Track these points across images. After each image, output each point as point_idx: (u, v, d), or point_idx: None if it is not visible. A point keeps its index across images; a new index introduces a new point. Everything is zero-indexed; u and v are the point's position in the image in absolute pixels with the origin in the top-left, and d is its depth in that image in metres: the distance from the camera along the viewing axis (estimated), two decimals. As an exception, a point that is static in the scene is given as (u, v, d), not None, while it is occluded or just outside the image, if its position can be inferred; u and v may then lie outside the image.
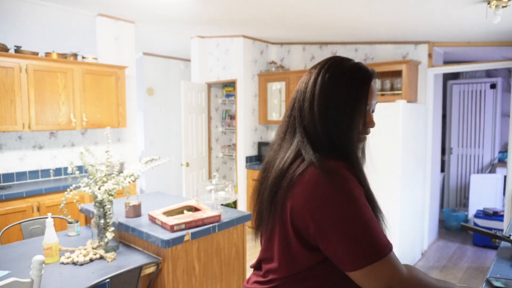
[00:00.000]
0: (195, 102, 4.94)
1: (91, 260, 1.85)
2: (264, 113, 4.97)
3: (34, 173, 3.66)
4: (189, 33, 4.89)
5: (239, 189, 4.94)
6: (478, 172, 5.30)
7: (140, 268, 1.80)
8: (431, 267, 3.80)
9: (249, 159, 4.97)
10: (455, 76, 5.62)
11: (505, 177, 4.16)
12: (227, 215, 2.27)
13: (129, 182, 1.98)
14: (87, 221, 2.59)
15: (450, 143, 5.54)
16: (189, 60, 6.37)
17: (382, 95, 3.98)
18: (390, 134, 3.41)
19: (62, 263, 1.82)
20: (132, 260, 1.88)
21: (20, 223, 2.47)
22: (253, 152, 5.04)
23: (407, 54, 4.13)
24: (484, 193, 4.86)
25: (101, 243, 1.94)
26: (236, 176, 5.04)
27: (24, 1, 3.37)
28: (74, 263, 1.81)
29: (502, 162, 5.09)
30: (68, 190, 1.91)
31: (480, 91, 5.26)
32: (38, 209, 3.19)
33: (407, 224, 3.64)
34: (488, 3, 2.46)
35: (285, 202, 0.90)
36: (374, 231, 0.83)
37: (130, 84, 4.26)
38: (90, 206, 2.50)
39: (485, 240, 4.32)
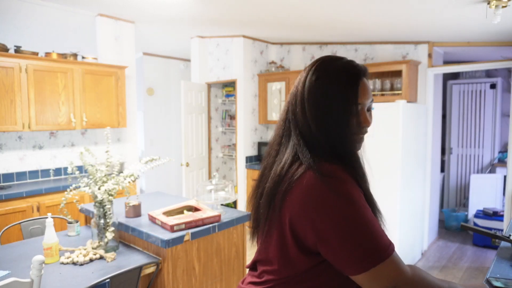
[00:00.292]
0: (195, 102, 4.94)
1: (91, 260, 1.85)
2: (264, 113, 4.97)
3: (34, 173, 3.66)
4: (189, 33, 4.89)
5: (239, 189, 4.94)
6: (478, 172, 5.30)
7: (140, 268, 1.80)
8: (431, 267, 3.80)
9: (249, 159, 4.97)
10: (455, 76, 5.62)
11: (505, 177, 4.16)
12: (227, 215, 2.27)
13: (129, 182, 1.98)
14: (87, 221, 2.59)
15: (450, 143, 5.55)
16: (189, 60, 6.37)
17: (382, 95, 3.98)
18: (390, 134, 3.41)
19: (62, 263, 1.82)
20: (132, 260, 1.88)
21: (20, 223, 2.47)
22: (253, 152, 5.04)
23: (407, 54, 4.13)
24: (484, 193, 4.86)
25: (101, 243, 1.94)
26: (236, 176, 5.04)
27: (24, 1, 3.37)
28: (74, 263, 1.82)
29: (502, 162, 5.10)
30: (68, 190, 1.91)
31: (480, 91, 5.26)
32: (38, 209, 3.19)
33: (407, 224, 3.64)
34: (488, 3, 2.46)
35: (283, 207, 0.90)
36: (375, 233, 0.82)
37: (130, 84, 4.26)
38: (90, 206, 2.50)
39: (485, 240, 4.32)
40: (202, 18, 3.88)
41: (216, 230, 2.11)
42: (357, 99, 0.91)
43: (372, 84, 4.02)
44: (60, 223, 3.04)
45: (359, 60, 4.46)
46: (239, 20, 3.89)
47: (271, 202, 0.93)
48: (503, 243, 1.84)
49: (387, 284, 0.81)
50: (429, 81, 4.04)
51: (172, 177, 6.30)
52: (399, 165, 3.39)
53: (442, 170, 5.46)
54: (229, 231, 2.22)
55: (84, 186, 1.93)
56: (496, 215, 4.34)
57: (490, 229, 4.15)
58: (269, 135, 5.31)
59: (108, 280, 1.63)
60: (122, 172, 2.03)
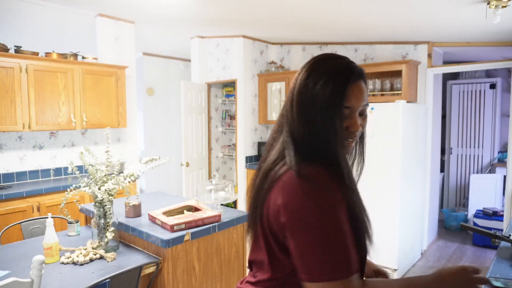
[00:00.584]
0: (195, 102, 4.95)
1: (91, 260, 1.85)
2: (264, 113, 4.97)
3: (34, 173, 3.66)
4: (189, 33, 4.89)
5: (239, 189, 4.94)
6: (477, 172, 5.31)
7: (140, 268, 1.80)
8: (430, 267, 3.80)
9: (249, 159, 4.97)
10: (455, 76, 5.62)
11: (504, 177, 4.16)
12: (227, 215, 2.27)
13: (129, 182, 1.98)
14: (87, 221, 2.59)
15: (450, 143, 5.55)
16: (189, 60, 6.37)
17: (382, 95, 3.98)
18: (390, 134, 3.42)
19: (62, 263, 1.82)
20: (132, 260, 1.88)
21: (20, 223, 2.47)
22: (253, 152, 5.04)
23: (407, 54, 4.13)
24: (483, 193, 4.87)
25: (101, 243, 1.94)
26: (236, 176, 5.04)
27: (24, 1, 3.37)
28: (74, 263, 1.82)
29: (502, 162, 5.10)
30: (68, 190, 1.92)
31: (480, 91, 5.26)
32: (38, 209, 3.19)
33: (407, 224, 3.64)
34: (488, 3, 2.46)
35: (263, 205, 0.90)
36: (340, 248, 0.78)
37: (130, 84, 4.26)
38: (90, 206, 2.51)
39: (485, 240, 4.32)
40: (202, 18, 3.88)
41: (216, 230, 2.11)
42: (345, 102, 0.86)
43: (372, 84, 4.02)
44: (60, 223, 3.04)
45: (359, 60, 4.46)
46: (239, 20, 3.90)
47: (255, 199, 0.93)
48: (503, 243, 1.84)
49: None
50: (429, 81, 4.04)
51: (172, 177, 6.29)
52: (399, 165, 3.39)
53: (442, 170, 5.47)
54: (229, 231, 2.22)
55: (84, 186, 1.93)
56: (495, 215, 4.35)
57: (490, 229, 4.15)
58: (269, 135, 5.30)
59: (108, 280, 1.63)
60: (122, 172, 2.03)
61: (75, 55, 3.70)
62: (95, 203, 1.93)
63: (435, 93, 4.23)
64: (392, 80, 3.99)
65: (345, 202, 0.83)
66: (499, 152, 5.27)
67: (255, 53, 4.95)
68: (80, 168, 3.52)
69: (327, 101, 0.84)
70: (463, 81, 5.41)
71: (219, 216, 2.15)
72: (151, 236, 1.95)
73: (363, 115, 0.91)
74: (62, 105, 3.50)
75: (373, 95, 4.01)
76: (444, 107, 5.38)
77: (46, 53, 3.56)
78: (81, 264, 1.81)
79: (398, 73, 3.91)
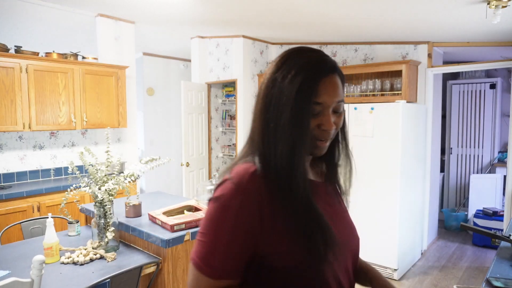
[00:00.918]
0: (195, 102, 4.95)
1: (91, 260, 1.85)
2: (264, 113, 4.97)
3: (34, 173, 3.66)
4: (189, 33, 4.89)
5: (239, 189, 4.93)
6: (477, 172, 5.31)
7: (140, 268, 1.80)
8: (430, 267, 3.81)
9: (249, 159, 4.96)
10: (455, 76, 5.62)
11: (504, 177, 4.17)
12: (227, 215, 2.27)
13: (129, 182, 1.98)
14: (87, 221, 2.59)
15: (450, 143, 5.55)
16: (189, 60, 6.37)
17: (382, 95, 3.98)
18: (390, 134, 3.42)
19: (62, 263, 1.82)
20: (132, 260, 1.88)
21: (20, 223, 2.47)
22: (253, 152, 5.04)
23: (407, 54, 4.13)
24: (483, 193, 4.87)
25: (101, 243, 1.94)
26: (236, 176, 5.03)
27: (24, 1, 3.37)
28: (74, 263, 1.82)
29: (502, 162, 5.10)
30: (69, 190, 1.92)
31: (480, 91, 5.26)
32: (39, 209, 3.19)
33: (407, 223, 3.64)
34: (488, 3, 2.46)
35: None
36: (218, 248, 0.76)
37: (130, 84, 4.26)
38: (90, 206, 2.51)
39: (485, 240, 4.32)
40: (202, 18, 3.89)
41: (216, 230, 2.11)
42: (316, 97, 0.78)
43: (372, 84, 4.02)
44: (61, 223, 3.05)
45: (359, 60, 4.47)
46: (239, 20, 3.90)
47: None
48: (503, 243, 1.85)
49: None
50: (429, 81, 4.04)
51: (172, 177, 6.30)
52: (398, 165, 3.39)
53: (442, 170, 5.47)
54: (229, 231, 2.22)
55: (84, 186, 1.93)
56: (496, 215, 4.35)
57: (490, 229, 4.15)
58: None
59: (109, 280, 1.63)
60: (122, 172, 2.03)
61: (75, 55, 3.70)
62: (95, 203, 1.93)
63: (435, 93, 4.23)
64: (392, 80, 4.00)
65: (270, 207, 0.76)
66: (499, 152, 5.27)
67: (255, 53, 4.95)
68: (80, 168, 3.52)
69: (295, 97, 0.76)
70: (463, 81, 5.41)
71: (219, 216, 2.14)
72: (151, 236, 1.95)
73: (337, 112, 0.83)
74: (62, 105, 3.50)
75: (373, 95, 4.01)
76: (444, 107, 5.38)
77: (46, 53, 3.56)
78: (81, 264, 1.81)
79: (398, 73, 3.91)
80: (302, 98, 0.77)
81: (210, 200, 0.80)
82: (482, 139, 5.28)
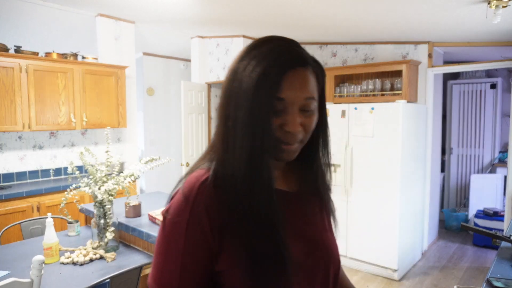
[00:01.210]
0: (195, 102, 4.95)
1: (91, 260, 1.85)
2: (264, 113, 4.96)
3: (34, 173, 3.66)
4: (189, 33, 4.89)
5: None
6: (478, 172, 5.30)
7: (140, 268, 1.79)
8: (431, 267, 3.80)
9: (249, 159, 4.96)
10: (455, 76, 5.62)
11: (505, 177, 4.16)
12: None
13: (129, 182, 1.98)
14: (87, 221, 2.59)
15: (450, 143, 5.54)
16: (189, 60, 6.37)
17: (382, 95, 3.98)
18: (390, 134, 3.41)
19: (62, 263, 1.82)
20: (132, 260, 1.88)
21: (20, 223, 2.47)
22: (253, 152, 5.03)
23: (407, 54, 4.13)
24: (484, 193, 4.86)
25: (101, 243, 1.94)
26: (236, 176, 5.03)
27: (24, 1, 3.37)
28: (74, 263, 1.81)
29: (502, 162, 5.09)
30: (68, 190, 1.91)
31: (480, 91, 5.26)
32: (38, 209, 3.19)
33: (407, 224, 3.64)
34: (488, 3, 2.46)
35: None
36: (167, 265, 0.69)
37: (130, 84, 4.26)
38: (90, 206, 2.50)
39: (485, 240, 4.32)
40: (202, 18, 3.88)
41: (216, 230, 2.11)
42: (278, 92, 0.66)
43: (372, 84, 4.02)
44: (60, 223, 3.04)
45: (359, 60, 4.46)
46: (239, 20, 3.89)
47: None
48: (504, 243, 1.84)
49: None
50: (429, 81, 4.04)
51: (172, 177, 6.29)
52: (399, 165, 3.39)
53: (442, 170, 5.46)
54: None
55: (84, 186, 1.93)
56: (496, 215, 4.34)
57: (491, 229, 4.15)
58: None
59: (108, 280, 1.63)
60: (122, 172, 2.03)
61: (75, 55, 3.70)
62: (95, 203, 1.93)
63: (436, 93, 4.23)
64: (393, 80, 3.99)
65: (220, 220, 0.67)
66: (499, 152, 5.26)
67: (255, 53, 4.95)
68: (80, 168, 3.51)
69: (255, 91, 0.66)
70: (463, 81, 5.40)
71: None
72: (151, 236, 1.94)
73: (307, 111, 0.70)
74: (62, 105, 3.50)
75: (373, 95, 4.01)
76: (445, 107, 5.37)
77: (46, 53, 3.56)
78: (81, 264, 1.80)
79: (398, 73, 3.91)
80: (262, 92, 0.66)
81: (162, 214, 0.72)
82: (483, 139, 5.28)
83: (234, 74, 0.71)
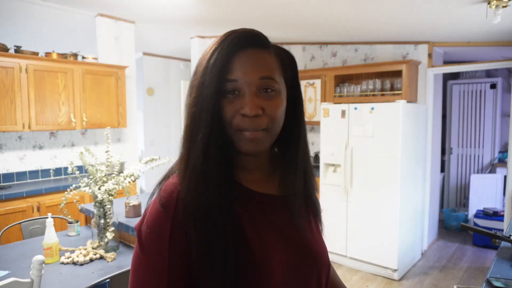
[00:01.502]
0: (195, 102, 4.94)
1: (91, 260, 1.85)
2: (264, 113, 4.96)
3: (34, 173, 3.66)
4: (189, 33, 4.89)
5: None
6: (478, 172, 5.30)
7: (140, 268, 1.79)
8: (431, 267, 3.80)
9: (249, 159, 4.96)
10: (455, 76, 5.62)
11: (505, 177, 4.16)
12: (227, 215, 2.26)
13: (129, 182, 1.98)
14: (87, 221, 2.59)
15: (450, 143, 5.55)
16: (189, 60, 6.36)
17: (382, 95, 3.98)
18: (390, 134, 3.41)
19: (62, 263, 1.82)
20: (132, 260, 1.88)
21: (20, 223, 2.47)
22: (253, 152, 5.03)
23: (407, 54, 4.13)
24: (484, 193, 4.86)
25: (101, 243, 1.94)
26: (236, 176, 5.03)
27: (24, 1, 3.37)
28: (74, 263, 1.81)
29: (502, 162, 5.10)
30: (68, 190, 1.91)
31: (480, 91, 5.26)
32: (38, 209, 3.19)
33: (407, 223, 3.64)
34: (488, 3, 2.46)
35: None
36: (148, 283, 0.63)
37: (130, 84, 4.26)
38: (90, 206, 2.50)
39: (485, 240, 4.32)
40: (202, 18, 3.88)
41: (216, 230, 2.11)
42: (229, 73, 0.64)
43: (372, 84, 4.02)
44: (60, 223, 3.04)
45: (359, 60, 4.46)
46: (239, 20, 3.89)
47: None
48: (503, 243, 1.84)
49: None
50: (429, 81, 4.04)
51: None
52: (399, 165, 3.39)
53: (442, 170, 5.46)
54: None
55: (84, 186, 1.93)
56: (496, 215, 4.34)
57: (490, 229, 4.15)
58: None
59: (108, 280, 1.63)
60: (122, 172, 2.03)
61: (75, 55, 3.70)
62: (95, 203, 1.93)
63: (436, 93, 4.23)
64: (392, 80, 3.99)
65: (187, 228, 0.62)
66: (499, 152, 5.26)
67: (255, 53, 4.95)
68: (80, 168, 3.51)
69: (209, 75, 0.64)
70: (463, 81, 5.40)
71: (219, 216, 2.14)
72: (151, 236, 1.94)
73: (267, 93, 0.66)
74: (62, 105, 3.50)
75: (373, 95, 4.01)
76: (445, 107, 5.38)
77: (46, 53, 3.56)
78: (81, 264, 1.80)
79: (398, 73, 3.91)
80: (214, 76, 0.63)
81: (136, 229, 0.67)
82: (483, 139, 5.28)
83: (199, 63, 0.69)
